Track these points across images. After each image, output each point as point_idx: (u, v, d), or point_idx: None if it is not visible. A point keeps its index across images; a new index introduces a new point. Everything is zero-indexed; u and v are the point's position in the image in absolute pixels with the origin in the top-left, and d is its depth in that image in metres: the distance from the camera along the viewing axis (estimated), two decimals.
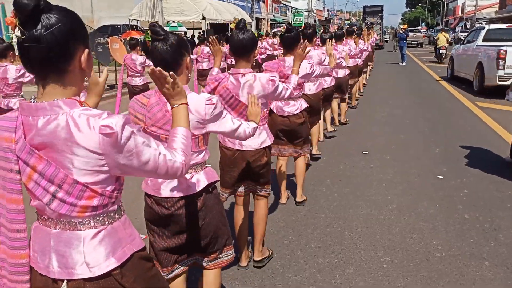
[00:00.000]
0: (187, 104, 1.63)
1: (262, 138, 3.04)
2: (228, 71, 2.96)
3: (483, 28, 12.86)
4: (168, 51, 1.97)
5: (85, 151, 1.27)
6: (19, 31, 1.23)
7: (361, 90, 11.43)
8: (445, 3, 63.60)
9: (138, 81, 7.57)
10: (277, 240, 3.70)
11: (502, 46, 10.32)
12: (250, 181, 3.14)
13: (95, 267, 1.35)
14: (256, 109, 2.42)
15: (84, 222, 1.36)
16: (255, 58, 3.09)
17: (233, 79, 2.90)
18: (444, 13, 64.27)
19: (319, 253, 3.49)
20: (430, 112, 9.28)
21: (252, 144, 3.00)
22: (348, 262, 3.36)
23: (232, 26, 2.95)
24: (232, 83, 2.90)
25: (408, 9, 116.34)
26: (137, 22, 22.20)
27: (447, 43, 19.68)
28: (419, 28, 59.29)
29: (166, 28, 14.16)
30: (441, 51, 19.97)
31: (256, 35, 17.56)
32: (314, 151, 5.89)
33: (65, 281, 1.35)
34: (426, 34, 42.77)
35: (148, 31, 2.02)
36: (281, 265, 3.32)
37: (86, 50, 1.35)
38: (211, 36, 3.44)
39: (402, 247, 3.59)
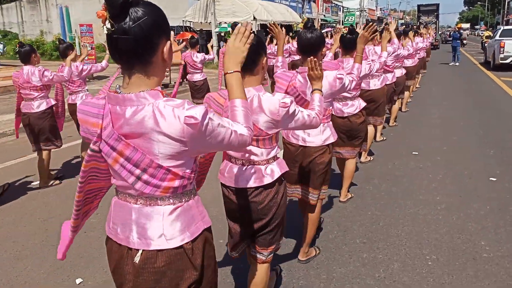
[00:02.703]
0: (239, 72, 1.67)
1: (326, 135, 3.11)
2: (296, 70, 3.04)
3: (500, 28, 20.05)
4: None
5: (169, 139, 1.37)
6: (109, 24, 1.33)
7: (411, 95, 11.05)
8: (506, 1, 60.46)
9: (198, 77, 7.99)
10: (322, 234, 3.80)
11: (502, 39, 17.17)
12: (307, 184, 3.18)
13: (172, 239, 1.48)
14: (318, 73, 2.42)
15: (164, 198, 1.49)
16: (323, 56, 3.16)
17: (300, 78, 2.95)
18: (505, 12, 61.09)
19: (363, 248, 3.56)
20: (486, 114, 8.99)
21: (315, 140, 3.09)
22: (393, 258, 3.41)
23: (300, 26, 3.05)
24: (300, 81, 2.95)
25: (466, 7, 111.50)
26: (191, 24, 22.82)
27: (487, 38, 25.12)
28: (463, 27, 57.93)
29: (217, 29, 14.57)
30: (485, 44, 24.10)
31: None
32: (362, 159, 5.81)
33: (140, 250, 1.48)
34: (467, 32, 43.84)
35: (229, 30, 2.15)
36: (326, 258, 3.42)
37: (169, 42, 1.44)
38: (270, 23, 3.51)
39: (449, 246, 3.59)
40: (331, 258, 3.42)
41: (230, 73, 1.66)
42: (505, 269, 3.23)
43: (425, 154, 6.22)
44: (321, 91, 2.43)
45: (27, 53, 4.83)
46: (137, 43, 1.35)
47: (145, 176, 1.44)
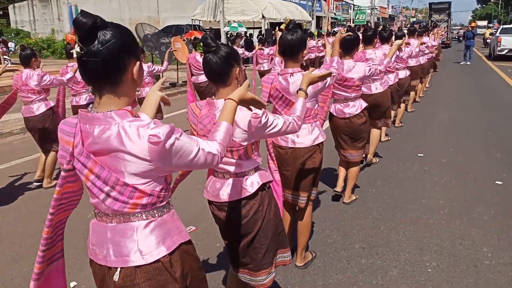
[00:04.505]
0: (236, 102, 1.74)
1: (315, 135, 3.06)
2: (278, 72, 3.05)
3: (500, 27, 25.01)
4: (217, 63, 2.07)
5: (135, 158, 1.39)
6: (78, 47, 1.36)
7: (421, 95, 10.81)
8: None
9: (203, 78, 7.89)
10: (321, 239, 3.75)
11: (500, 35, 21.66)
12: (297, 187, 3.14)
13: (147, 254, 1.48)
14: (311, 75, 2.42)
15: (136, 214, 1.50)
16: (304, 58, 3.14)
17: (281, 79, 2.98)
18: None
19: (362, 254, 3.51)
20: (495, 115, 8.85)
21: (304, 141, 3.04)
22: (392, 264, 3.35)
23: (282, 27, 3.02)
24: (281, 83, 2.98)
25: (479, 5, 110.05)
26: (200, 22, 22.83)
27: (490, 35, 30.21)
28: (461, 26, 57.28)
29: (226, 28, 14.54)
30: (487, 41, 29.72)
31: (316, 33, 17.21)
32: (369, 158, 5.75)
33: (118, 269, 1.49)
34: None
35: (200, 43, 2.14)
36: (323, 263, 3.37)
37: (138, 63, 1.47)
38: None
39: (450, 252, 3.51)
40: (329, 264, 3.37)
41: (229, 99, 1.75)
42: (506, 277, 3.15)
43: (431, 156, 6.13)
44: (306, 93, 2.37)
45: (28, 56, 4.87)
46: (106, 65, 1.39)
47: (113, 193, 1.46)
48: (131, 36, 1.47)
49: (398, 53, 6.33)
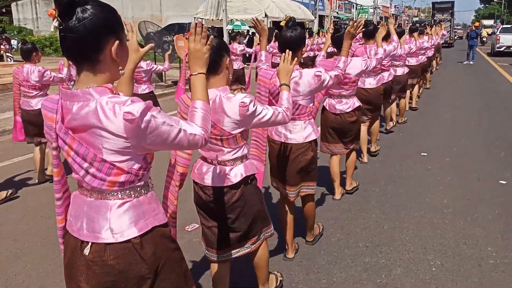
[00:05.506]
0: (204, 74, 1.71)
1: (307, 132, 3.10)
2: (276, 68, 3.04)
3: (500, 27, 28.17)
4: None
5: (111, 135, 1.40)
6: (57, 22, 1.38)
7: (419, 94, 10.77)
8: None
9: None
10: (325, 237, 3.74)
11: (499, 34, 24.79)
12: (288, 180, 3.20)
13: (118, 233, 1.50)
14: (288, 66, 2.49)
15: (112, 193, 1.52)
16: (303, 56, 3.16)
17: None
18: None
19: (366, 252, 3.50)
20: (498, 115, 8.82)
21: (296, 138, 3.08)
22: (396, 263, 3.34)
23: (282, 24, 3.03)
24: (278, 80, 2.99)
25: (482, 5, 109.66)
26: (202, 21, 22.79)
27: (487, 34, 35.91)
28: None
29: (229, 27, 14.59)
30: (484, 39, 34.30)
31: (316, 31, 17.14)
32: (373, 149, 5.92)
33: (90, 243, 1.51)
34: (464, 30, 50.65)
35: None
36: (327, 262, 3.36)
37: (117, 42, 1.46)
38: (253, 18, 3.47)
39: (454, 251, 3.50)
40: (332, 262, 3.36)
41: (194, 75, 1.71)
42: (511, 277, 3.14)
43: (434, 155, 6.11)
44: (288, 86, 2.45)
45: (29, 51, 4.84)
46: (82, 42, 1.38)
47: (91, 170, 1.48)
48: (113, 15, 1.46)
49: (396, 51, 6.29)
